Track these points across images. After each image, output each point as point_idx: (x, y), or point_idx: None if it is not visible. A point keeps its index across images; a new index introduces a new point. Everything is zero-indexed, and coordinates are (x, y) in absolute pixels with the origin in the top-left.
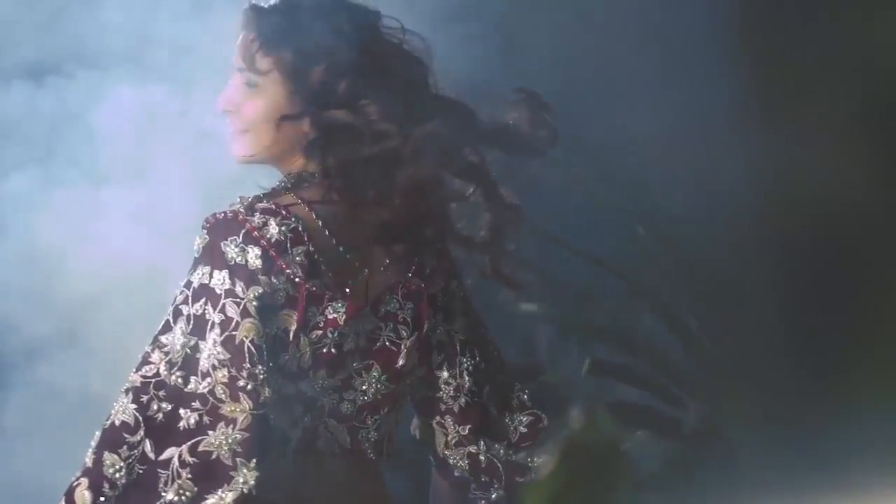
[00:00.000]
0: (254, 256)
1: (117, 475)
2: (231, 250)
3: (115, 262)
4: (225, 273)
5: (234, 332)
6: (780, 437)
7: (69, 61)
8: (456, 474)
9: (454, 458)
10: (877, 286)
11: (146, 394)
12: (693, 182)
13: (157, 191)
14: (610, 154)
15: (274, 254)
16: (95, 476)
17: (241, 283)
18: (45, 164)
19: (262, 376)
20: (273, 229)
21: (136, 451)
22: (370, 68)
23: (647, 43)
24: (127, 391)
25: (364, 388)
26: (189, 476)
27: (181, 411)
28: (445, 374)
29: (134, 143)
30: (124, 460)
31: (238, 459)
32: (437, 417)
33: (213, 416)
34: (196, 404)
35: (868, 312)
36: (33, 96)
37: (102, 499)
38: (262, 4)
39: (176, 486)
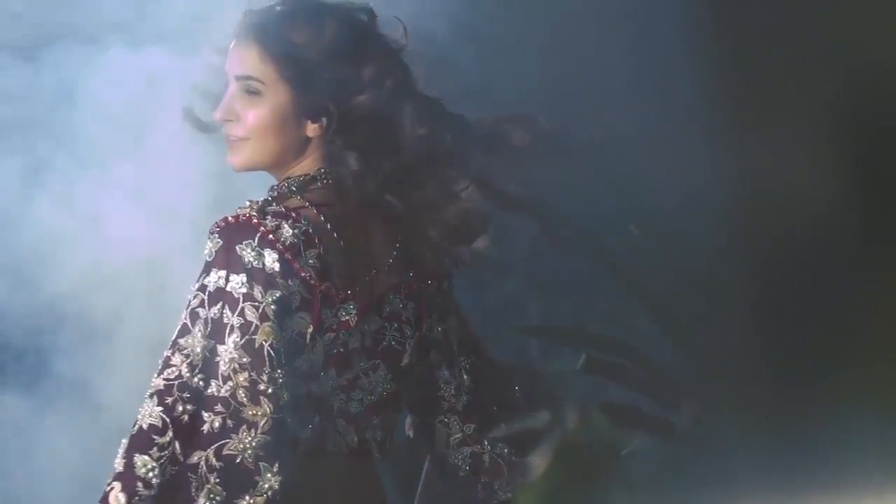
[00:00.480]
0: (271, 260)
1: (150, 474)
2: (248, 254)
3: (114, 246)
4: (242, 277)
5: (253, 336)
6: (772, 438)
7: (63, 37)
8: (460, 475)
9: (455, 458)
10: (874, 288)
11: (171, 396)
12: (685, 184)
13: (157, 171)
14: (598, 154)
15: (289, 257)
16: (128, 478)
17: (259, 287)
18: (39, 145)
19: (280, 380)
20: (286, 232)
21: (166, 451)
22: (373, 71)
23: (630, 47)
24: (151, 395)
25: (371, 387)
26: (217, 480)
27: (204, 414)
28: (446, 373)
29: (131, 121)
30: (156, 460)
31: (261, 464)
32: (441, 416)
33: (235, 419)
34: (218, 407)
35: (863, 315)
36: (27, 74)
37: (137, 498)
38: (257, 9)
39: (206, 490)
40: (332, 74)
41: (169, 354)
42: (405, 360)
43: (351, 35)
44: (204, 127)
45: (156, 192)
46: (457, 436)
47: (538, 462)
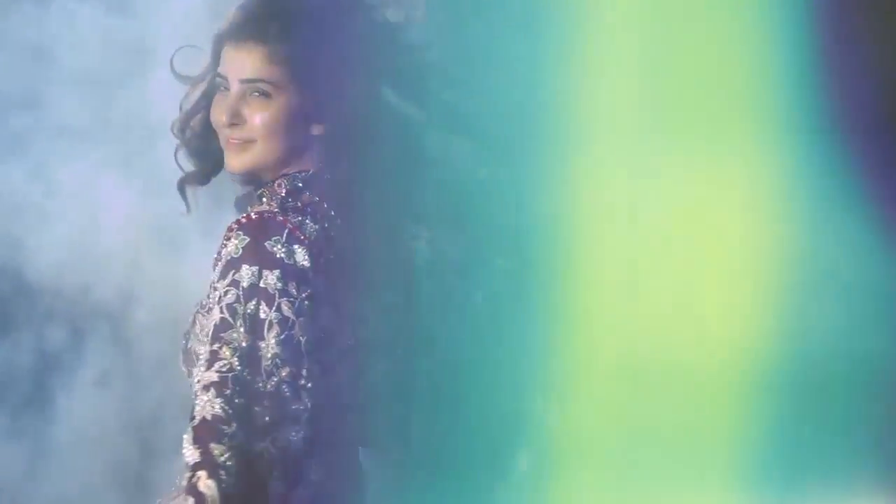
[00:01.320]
0: (302, 256)
1: (228, 462)
2: (279, 250)
3: (92, 217)
4: (277, 273)
5: (291, 332)
6: (759, 439)
7: None
8: None
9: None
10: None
11: (227, 388)
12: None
13: (137, 137)
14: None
15: (316, 252)
16: (209, 465)
17: (294, 283)
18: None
19: (316, 375)
20: (310, 227)
21: (235, 441)
22: (383, 65)
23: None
24: (206, 388)
25: (373, 377)
26: (277, 470)
27: (256, 408)
28: (428, 364)
29: (110, 85)
30: (229, 449)
31: (305, 457)
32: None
33: (281, 413)
34: (266, 402)
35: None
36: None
37: (224, 485)
38: (253, 6)
39: (272, 478)
40: (342, 70)
41: (216, 348)
42: (399, 351)
43: (359, 26)
44: (200, 181)
45: (139, 162)
46: None
47: (520, 455)
